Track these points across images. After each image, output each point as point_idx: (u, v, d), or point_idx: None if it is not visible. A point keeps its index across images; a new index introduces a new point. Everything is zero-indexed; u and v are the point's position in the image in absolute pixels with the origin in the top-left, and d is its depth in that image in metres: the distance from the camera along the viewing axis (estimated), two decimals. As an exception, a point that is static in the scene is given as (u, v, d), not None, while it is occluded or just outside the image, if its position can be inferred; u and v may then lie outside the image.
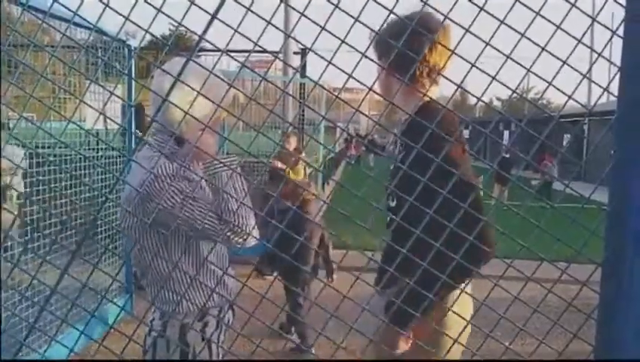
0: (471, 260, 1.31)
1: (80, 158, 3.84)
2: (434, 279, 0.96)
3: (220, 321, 1.66)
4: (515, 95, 0.96)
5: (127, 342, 0.92)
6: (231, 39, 0.80)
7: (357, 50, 0.78)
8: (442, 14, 0.82)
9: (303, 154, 4.20)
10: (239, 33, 0.79)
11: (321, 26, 0.78)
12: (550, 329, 0.89)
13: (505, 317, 0.98)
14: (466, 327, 1.15)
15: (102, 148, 4.44)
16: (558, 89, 0.77)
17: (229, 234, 1.49)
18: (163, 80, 1.53)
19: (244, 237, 1.51)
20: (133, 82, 4.26)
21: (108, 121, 4.31)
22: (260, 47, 0.81)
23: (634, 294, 0.66)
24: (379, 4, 0.75)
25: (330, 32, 0.77)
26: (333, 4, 0.77)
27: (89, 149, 5.06)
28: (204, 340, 1.61)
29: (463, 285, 1.32)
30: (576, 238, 0.79)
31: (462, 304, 1.57)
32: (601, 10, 0.80)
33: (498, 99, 43.48)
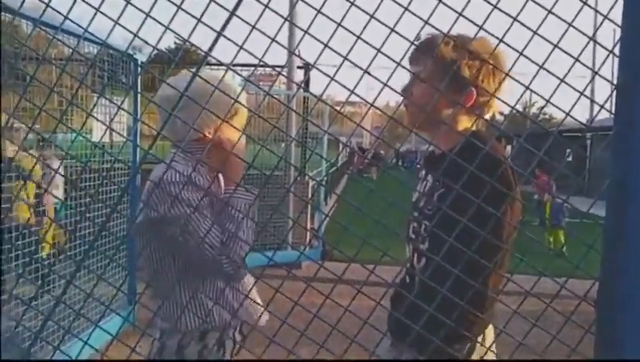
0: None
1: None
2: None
3: (220, 345, 1.54)
4: (516, 110, 0.97)
5: (130, 354, 0.93)
6: (236, 56, 0.82)
7: (359, 67, 0.80)
8: (441, 31, 0.84)
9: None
10: (244, 50, 0.81)
11: (324, 44, 0.80)
12: (549, 344, 0.90)
13: (504, 331, 0.98)
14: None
15: (108, 161, 4.47)
16: (556, 106, 0.78)
17: (224, 259, 1.43)
18: (167, 93, 1.52)
19: (236, 266, 1.46)
20: (139, 96, 4.31)
21: (113, 134, 4.36)
22: (264, 62, 0.83)
23: (631, 309, 0.67)
24: (380, 22, 0.77)
25: (332, 49, 0.79)
26: (335, 22, 0.79)
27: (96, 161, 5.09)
28: None
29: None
30: (577, 253, 0.80)
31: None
32: (598, 28, 0.82)
33: (501, 113, 43.48)
